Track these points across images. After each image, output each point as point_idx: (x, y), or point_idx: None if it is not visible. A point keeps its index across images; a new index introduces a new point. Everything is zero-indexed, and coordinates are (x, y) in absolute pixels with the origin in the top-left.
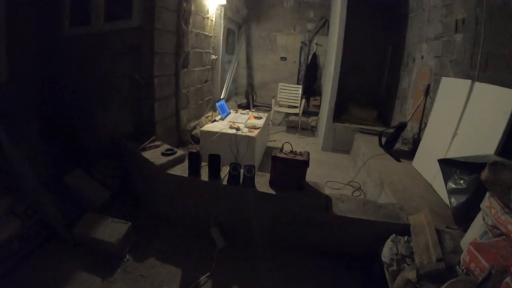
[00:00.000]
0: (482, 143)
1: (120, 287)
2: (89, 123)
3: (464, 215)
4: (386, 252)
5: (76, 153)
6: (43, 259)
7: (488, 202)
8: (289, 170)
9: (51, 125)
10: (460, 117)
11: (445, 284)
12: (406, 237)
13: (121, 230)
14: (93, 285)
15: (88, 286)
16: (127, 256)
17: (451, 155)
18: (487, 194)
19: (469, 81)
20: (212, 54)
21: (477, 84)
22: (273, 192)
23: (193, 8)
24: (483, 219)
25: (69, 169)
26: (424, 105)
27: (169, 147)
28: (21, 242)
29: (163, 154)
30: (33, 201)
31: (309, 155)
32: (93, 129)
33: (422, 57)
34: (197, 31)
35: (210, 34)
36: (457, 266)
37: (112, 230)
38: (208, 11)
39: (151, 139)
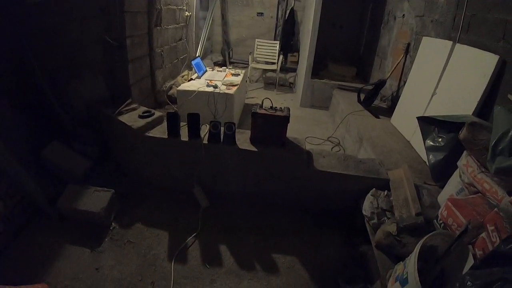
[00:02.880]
0: (461, 104)
1: (109, 256)
2: (62, 93)
3: (441, 172)
4: (367, 206)
5: (52, 125)
6: (30, 238)
7: (465, 161)
8: (270, 126)
9: (23, 99)
10: (439, 77)
11: (424, 237)
12: (386, 192)
13: (105, 198)
14: (82, 257)
15: (77, 259)
16: (113, 224)
17: (429, 113)
18: (465, 152)
19: (450, 42)
20: (186, 10)
21: (458, 45)
22: (254, 149)
23: None
24: (460, 176)
25: (46, 143)
26: (404, 63)
27: (146, 109)
28: (5, 224)
29: (140, 116)
30: (13, 180)
31: (289, 110)
32: (67, 98)
33: (403, 15)
34: None
35: None
36: (435, 220)
37: (95, 199)
38: None
39: (127, 102)
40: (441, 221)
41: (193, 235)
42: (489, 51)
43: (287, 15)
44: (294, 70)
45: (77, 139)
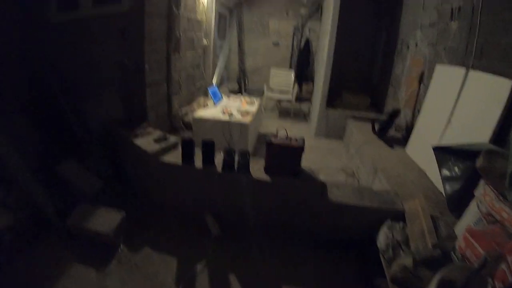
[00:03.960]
0: (476, 131)
1: (115, 278)
2: (79, 111)
3: (458, 202)
4: (382, 239)
5: (68, 142)
6: (37, 252)
7: (483, 190)
8: (284, 156)
9: (41, 115)
10: (454, 104)
11: (442, 271)
12: (401, 223)
13: (115, 219)
14: (88, 278)
15: (83, 278)
16: (122, 246)
17: (444, 142)
18: (482, 181)
19: (463, 69)
20: (204, 39)
21: (471, 72)
22: (268, 178)
23: None
24: (477, 206)
25: (61, 159)
26: (418, 92)
27: (161, 133)
28: (13, 235)
29: (156, 140)
30: (24, 192)
31: (304, 141)
32: (84, 117)
33: (416, 44)
34: (188, 15)
35: (202, 19)
36: (452, 253)
37: (105, 220)
38: None
39: (142, 125)
40: (458, 253)
41: (202, 263)
42: (503, 76)
43: (302, 45)
44: (309, 99)
45: (91, 158)
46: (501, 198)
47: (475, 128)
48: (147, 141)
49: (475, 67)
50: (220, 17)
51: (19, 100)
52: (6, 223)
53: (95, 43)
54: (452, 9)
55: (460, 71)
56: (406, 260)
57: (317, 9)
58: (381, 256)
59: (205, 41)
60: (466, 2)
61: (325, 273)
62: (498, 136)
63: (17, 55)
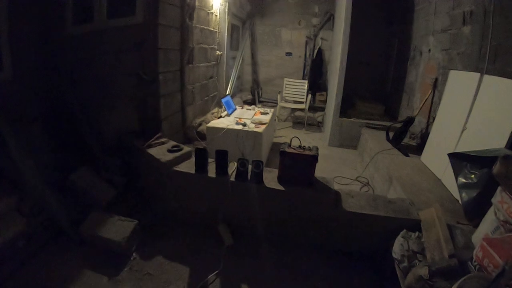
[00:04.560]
0: (492, 137)
1: (127, 286)
2: (94, 121)
3: (475, 210)
4: (397, 249)
5: (82, 151)
6: (49, 258)
7: (500, 197)
8: (298, 166)
9: (56, 124)
10: (469, 110)
11: (459, 281)
12: (417, 233)
13: (128, 228)
14: (99, 285)
15: (94, 285)
16: (134, 254)
17: (460, 149)
18: (499, 188)
19: (478, 74)
20: (217, 50)
21: (486, 77)
22: (282, 188)
23: (197, 3)
24: (495, 214)
25: (75, 168)
26: (432, 99)
27: (175, 143)
28: (26, 241)
29: (169, 151)
30: (38, 199)
31: (317, 150)
32: (99, 127)
33: (429, 50)
34: (201, 26)
35: (215, 30)
36: (470, 262)
37: (118, 228)
38: (212, 7)
39: (157, 135)
40: (476, 263)
41: (214, 273)
42: None
43: (315, 55)
44: (322, 109)
45: (105, 167)
46: None
47: (491, 134)
48: (161, 151)
49: (489, 71)
50: (233, 28)
51: (35, 110)
52: (20, 229)
53: (110, 55)
54: (464, 14)
55: (474, 76)
56: (422, 270)
57: (329, 19)
58: (396, 266)
59: (218, 52)
60: (478, 6)
61: (338, 285)
62: None
63: (34, 66)
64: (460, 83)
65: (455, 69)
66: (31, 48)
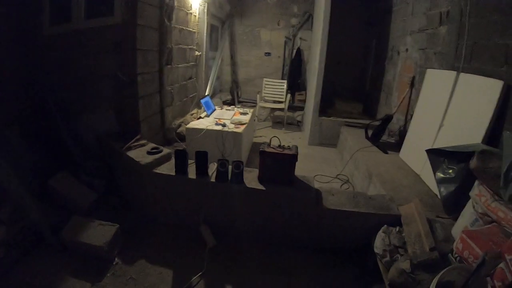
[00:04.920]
0: (469, 133)
1: None
2: (73, 124)
3: (453, 204)
4: (379, 244)
5: (61, 155)
6: (30, 266)
7: (478, 190)
8: (278, 165)
9: (34, 128)
10: (446, 108)
11: (440, 273)
12: (397, 228)
13: (109, 232)
14: None
15: None
16: (116, 259)
17: (438, 145)
18: (476, 182)
19: (454, 72)
20: (196, 50)
21: (462, 75)
22: (262, 187)
23: (176, 4)
24: (473, 207)
25: (54, 172)
26: (410, 97)
27: (154, 145)
28: (6, 249)
29: (149, 153)
30: (17, 206)
31: (297, 149)
32: (78, 129)
33: (407, 49)
34: (180, 27)
35: (194, 30)
36: (450, 254)
37: (99, 233)
38: (191, 7)
39: (136, 138)
40: (456, 255)
41: (198, 275)
42: (493, 77)
43: (293, 55)
44: (302, 108)
45: (84, 171)
46: (496, 197)
47: (468, 130)
48: (140, 153)
49: (465, 69)
50: (212, 29)
51: (12, 113)
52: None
53: (88, 56)
54: (440, 14)
55: (450, 74)
56: (404, 264)
57: (307, 19)
58: (378, 261)
59: (197, 53)
60: (454, 6)
61: (322, 281)
62: (491, 137)
63: (9, 68)
64: (437, 81)
65: (432, 68)
66: (6, 49)
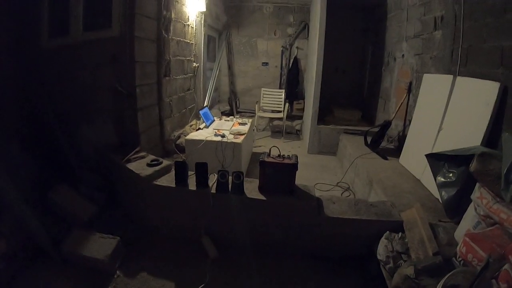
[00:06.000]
0: (468, 136)
1: None
2: (72, 137)
3: (455, 208)
4: (382, 250)
5: (61, 167)
6: (30, 279)
7: (479, 193)
8: (278, 175)
9: (33, 141)
10: (444, 111)
11: (445, 277)
12: (400, 234)
13: (110, 245)
14: None
15: None
16: (118, 272)
17: (437, 149)
18: (477, 185)
19: (450, 76)
20: (194, 61)
21: (459, 78)
22: (263, 197)
23: (173, 16)
24: (475, 210)
25: (54, 185)
26: (408, 102)
27: (154, 157)
28: (7, 263)
29: (149, 165)
30: (17, 219)
31: (297, 158)
32: (77, 142)
33: (403, 55)
34: (178, 38)
35: (191, 42)
36: (454, 258)
37: (100, 246)
38: (188, 19)
39: (135, 150)
40: (460, 258)
41: (201, 286)
42: (490, 79)
43: (291, 64)
44: (300, 117)
45: (84, 184)
46: (498, 199)
47: (467, 133)
48: (140, 165)
49: (462, 73)
50: (209, 40)
51: (11, 125)
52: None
53: (86, 68)
54: (435, 19)
55: (447, 78)
56: (407, 270)
57: (304, 28)
58: (382, 268)
59: (195, 64)
60: (448, 11)
61: None
62: (490, 139)
63: (9, 80)
64: (434, 85)
65: (428, 73)
66: (5, 62)
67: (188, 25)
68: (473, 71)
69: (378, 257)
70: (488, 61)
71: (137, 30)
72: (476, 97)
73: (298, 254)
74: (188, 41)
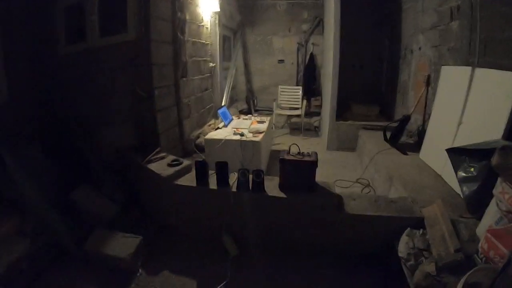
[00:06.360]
0: (489, 129)
1: None
2: (92, 139)
3: (477, 203)
4: (403, 247)
5: (82, 169)
6: (54, 278)
7: (501, 188)
8: (298, 172)
9: (55, 143)
10: (463, 104)
11: (466, 275)
12: (421, 230)
13: (132, 244)
14: None
15: None
16: (140, 270)
17: (458, 143)
18: (499, 179)
19: (469, 68)
20: (210, 61)
21: (477, 70)
22: (283, 195)
23: (187, 17)
24: (497, 205)
25: (75, 186)
26: (426, 96)
27: (174, 157)
28: (30, 262)
29: (169, 165)
30: (40, 219)
31: (317, 155)
32: (97, 143)
33: (420, 48)
34: (193, 39)
35: (207, 42)
36: (476, 255)
37: (123, 245)
38: (202, 19)
39: (156, 150)
40: (482, 255)
41: (222, 284)
42: (509, 70)
43: (307, 60)
44: (318, 114)
45: (105, 184)
46: None
47: (487, 126)
48: (160, 166)
49: (480, 64)
50: (224, 39)
51: (33, 129)
52: (24, 251)
53: (104, 72)
54: (451, 9)
55: (466, 70)
56: (428, 267)
57: (318, 24)
58: (403, 265)
59: (211, 64)
60: (464, 0)
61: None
62: (511, 131)
63: (30, 86)
64: (453, 78)
65: (446, 65)
66: (26, 68)
67: (203, 25)
68: (492, 62)
69: (399, 254)
70: (507, 51)
71: (153, 33)
72: (496, 89)
73: (318, 251)
74: (204, 41)
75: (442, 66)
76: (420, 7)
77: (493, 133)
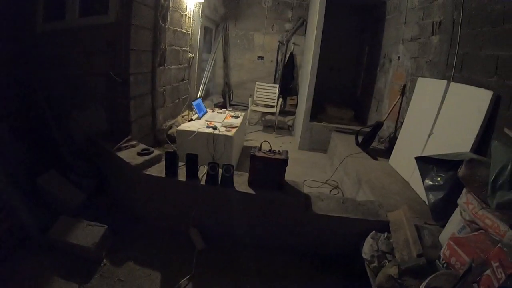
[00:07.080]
0: (458, 141)
1: None
2: (63, 123)
3: (441, 211)
4: (367, 249)
5: (51, 154)
6: (16, 266)
7: (465, 198)
8: (268, 169)
9: (24, 125)
10: (436, 116)
11: (427, 279)
12: (386, 234)
13: (97, 233)
14: None
15: None
16: (104, 260)
17: (427, 153)
18: (464, 190)
19: (445, 81)
20: (189, 52)
21: (453, 84)
22: (252, 191)
23: (171, 5)
24: (461, 214)
25: (43, 171)
26: (400, 104)
27: (145, 146)
28: None
29: (139, 154)
30: (5, 204)
31: (287, 153)
32: (68, 128)
33: (399, 57)
34: (174, 28)
35: (188, 32)
36: (437, 261)
37: (88, 233)
38: (186, 8)
39: (126, 138)
40: (443, 261)
41: (186, 277)
42: (483, 87)
43: (286, 59)
44: (293, 113)
45: (73, 170)
46: (483, 205)
47: (457, 139)
48: (130, 154)
49: (456, 79)
50: (206, 31)
51: (2, 109)
52: None
53: (80, 54)
54: (433, 24)
55: (441, 83)
56: (391, 269)
57: (301, 24)
58: (366, 266)
59: (190, 55)
60: (447, 17)
61: (311, 286)
62: (479, 146)
63: (1, 63)
64: (428, 89)
65: (423, 77)
66: None
67: (186, 15)
68: (467, 77)
69: (363, 255)
70: (483, 69)
71: (134, 17)
72: (469, 104)
73: (285, 249)
74: (185, 31)
75: (419, 77)
76: (403, 19)
77: (462, 146)
